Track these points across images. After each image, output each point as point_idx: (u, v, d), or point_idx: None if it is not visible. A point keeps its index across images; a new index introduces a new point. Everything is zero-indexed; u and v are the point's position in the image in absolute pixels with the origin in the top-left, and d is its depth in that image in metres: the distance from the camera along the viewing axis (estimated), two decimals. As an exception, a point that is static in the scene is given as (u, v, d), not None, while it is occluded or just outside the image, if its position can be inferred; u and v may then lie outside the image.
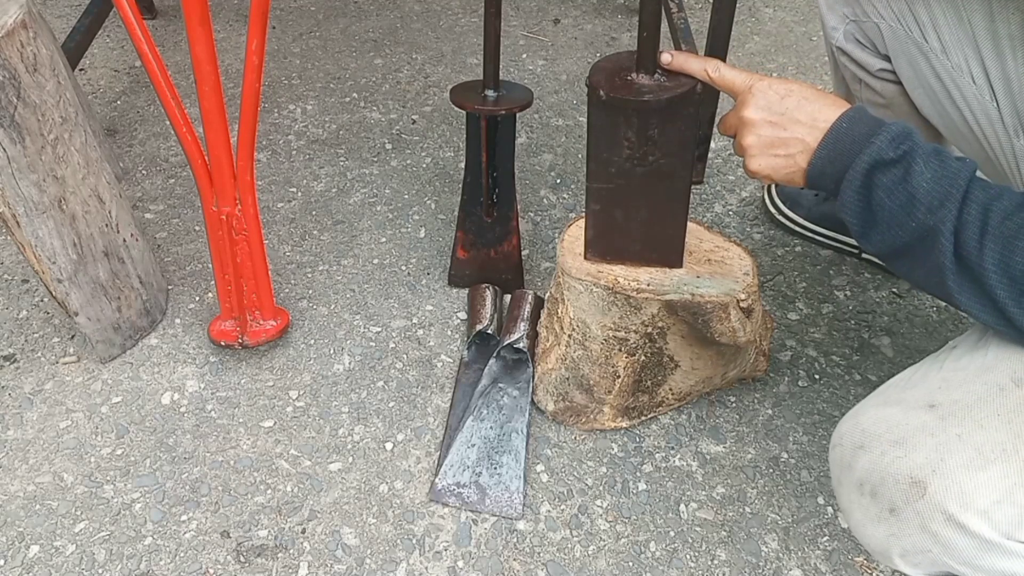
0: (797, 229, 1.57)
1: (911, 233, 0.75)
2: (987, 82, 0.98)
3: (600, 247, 1.13)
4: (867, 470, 0.75)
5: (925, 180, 0.74)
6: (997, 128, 0.99)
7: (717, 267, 1.14)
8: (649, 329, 1.14)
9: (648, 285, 1.10)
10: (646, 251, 1.12)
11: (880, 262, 1.38)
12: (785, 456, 1.23)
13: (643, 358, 1.17)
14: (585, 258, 1.14)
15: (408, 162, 1.79)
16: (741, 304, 1.11)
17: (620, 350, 1.16)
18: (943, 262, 0.73)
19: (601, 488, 1.19)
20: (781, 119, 0.83)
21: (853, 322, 1.43)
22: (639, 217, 1.07)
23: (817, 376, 1.35)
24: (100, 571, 1.10)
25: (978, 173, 0.77)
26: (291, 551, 1.12)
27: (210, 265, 1.52)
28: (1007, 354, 0.76)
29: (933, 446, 0.71)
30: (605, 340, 1.15)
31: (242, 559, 1.11)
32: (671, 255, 1.12)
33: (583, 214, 1.12)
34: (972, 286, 0.73)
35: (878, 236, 0.79)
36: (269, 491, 1.19)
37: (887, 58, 1.13)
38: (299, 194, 1.71)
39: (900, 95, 1.15)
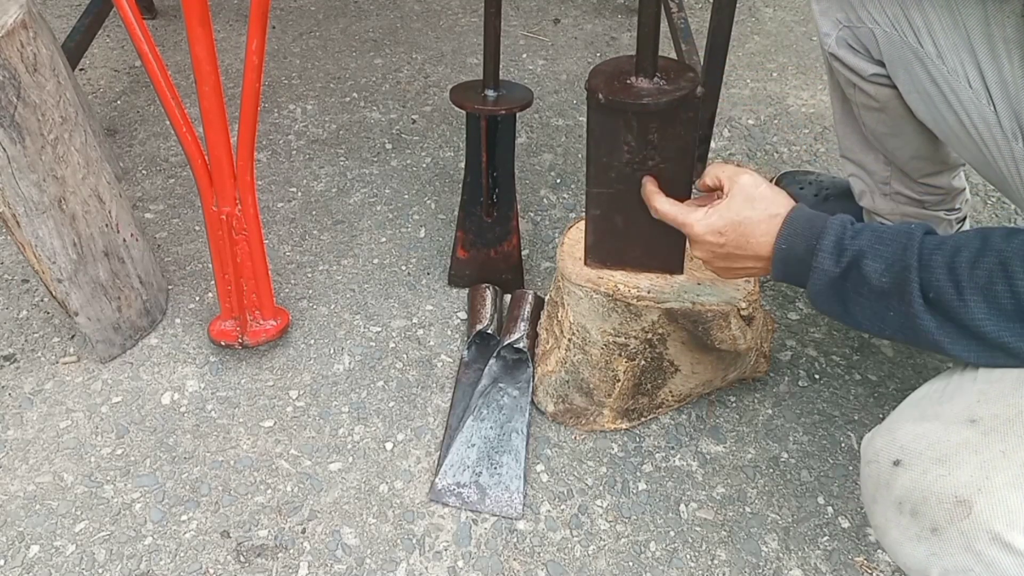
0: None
1: (894, 322, 0.78)
2: (984, 86, 0.97)
3: (600, 253, 1.12)
4: (908, 489, 0.72)
5: (881, 273, 0.77)
6: (995, 132, 0.98)
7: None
8: (649, 335, 1.14)
9: (648, 292, 1.10)
10: (647, 257, 1.11)
11: None
12: (785, 456, 1.23)
13: (643, 363, 1.17)
14: (585, 264, 1.14)
15: (408, 162, 1.79)
16: (742, 313, 1.11)
17: (620, 355, 1.16)
18: (934, 339, 0.75)
19: (601, 488, 1.19)
20: (726, 259, 0.90)
21: (853, 322, 1.43)
22: (639, 223, 1.07)
23: (817, 376, 1.35)
24: (100, 571, 1.10)
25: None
26: (291, 551, 1.12)
27: (210, 265, 1.52)
28: None
29: (977, 464, 0.69)
30: (605, 345, 1.15)
31: (242, 559, 1.11)
32: (672, 261, 1.12)
33: (583, 216, 1.12)
34: (975, 343, 0.74)
35: (867, 328, 0.81)
36: (269, 491, 1.19)
37: (880, 63, 1.12)
38: (299, 194, 1.71)
39: (894, 98, 1.15)
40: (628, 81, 0.95)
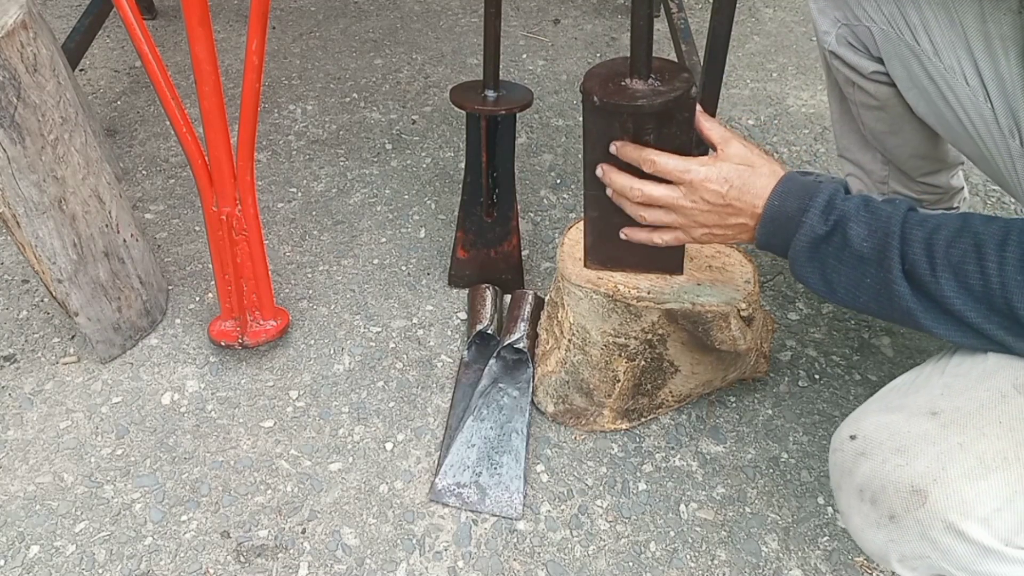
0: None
1: (870, 289, 0.79)
2: (980, 83, 0.97)
3: (600, 254, 1.12)
4: (868, 477, 0.75)
5: (864, 238, 0.78)
6: (992, 129, 0.99)
7: (718, 274, 1.14)
8: (649, 336, 1.14)
9: (648, 293, 1.10)
10: (646, 258, 1.11)
11: None
12: (785, 456, 1.23)
13: (643, 363, 1.17)
14: (585, 266, 1.14)
15: (408, 162, 1.79)
16: (742, 313, 1.11)
17: (620, 355, 1.16)
18: (907, 305, 0.76)
19: (601, 488, 1.19)
20: (719, 213, 0.89)
21: (853, 322, 1.43)
22: (638, 224, 1.07)
23: (817, 376, 1.35)
24: (100, 571, 1.10)
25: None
26: (291, 551, 1.12)
27: (210, 265, 1.52)
28: (1008, 360, 0.77)
29: (934, 455, 0.72)
30: (605, 346, 1.15)
31: (242, 559, 1.11)
32: (671, 262, 1.12)
33: (583, 216, 1.12)
34: (945, 317, 0.75)
35: (842, 298, 0.82)
36: (269, 491, 1.19)
37: (880, 60, 1.12)
38: (299, 194, 1.71)
39: (894, 97, 1.15)
40: (623, 83, 0.95)
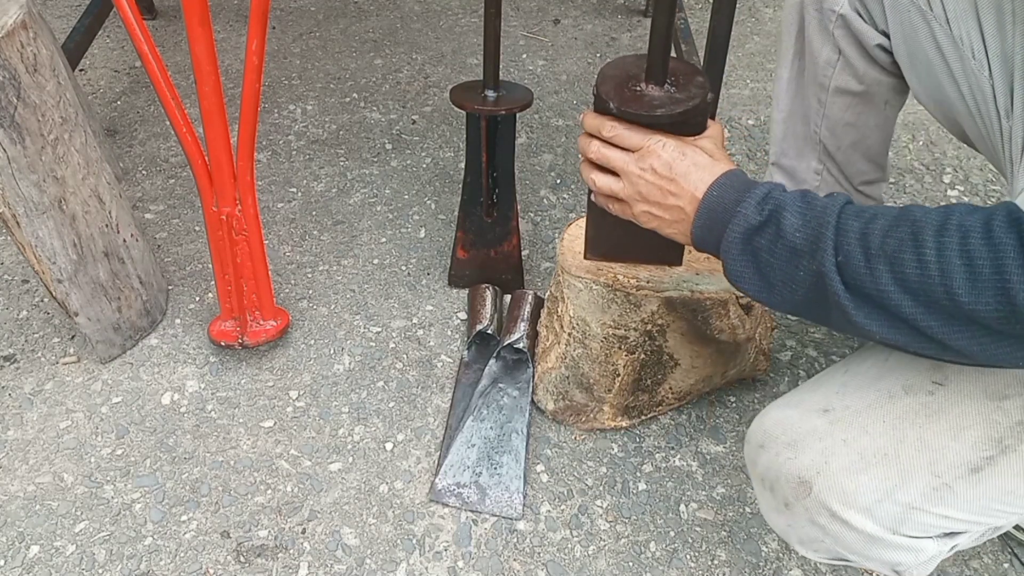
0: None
1: (804, 283, 0.75)
2: (985, 58, 0.96)
3: (600, 246, 1.13)
4: (766, 467, 0.83)
5: (797, 228, 0.75)
6: (989, 107, 0.97)
7: (716, 264, 1.14)
8: (649, 327, 1.14)
9: (647, 282, 1.10)
10: (646, 250, 1.12)
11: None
12: (785, 456, 1.24)
13: (643, 356, 1.17)
14: (585, 257, 1.14)
15: (408, 162, 1.79)
16: (740, 301, 1.11)
17: (620, 348, 1.16)
18: (840, 301, 0.72)
19: (601, 488, 1.19)
20: (661, 188, 0.87)
21: (853, 322, 1.43)
22: None
23: (817, 376, 1.35)
24: (100, 571, 1.10)
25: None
26: (291, 551, 1.12)
27: (210, 265, 1.52)
28: (905, 361, 0.81)
29: (820, 450, 0.79)
30: (605, 338, 1.15)
31: (242, 559, 1.11)
32: (671, 254, 1.12)
33: (583, 214, 1.12)
34: (879, 313, 0.72)
35: (778, 297, 0.79)
36: (269, 491, 1.19)
37: (885, 34, 1.11)
38: (299, 194, 1.71)
39: (878, 84, 1.13)
40: (638, 88, 0.94)
